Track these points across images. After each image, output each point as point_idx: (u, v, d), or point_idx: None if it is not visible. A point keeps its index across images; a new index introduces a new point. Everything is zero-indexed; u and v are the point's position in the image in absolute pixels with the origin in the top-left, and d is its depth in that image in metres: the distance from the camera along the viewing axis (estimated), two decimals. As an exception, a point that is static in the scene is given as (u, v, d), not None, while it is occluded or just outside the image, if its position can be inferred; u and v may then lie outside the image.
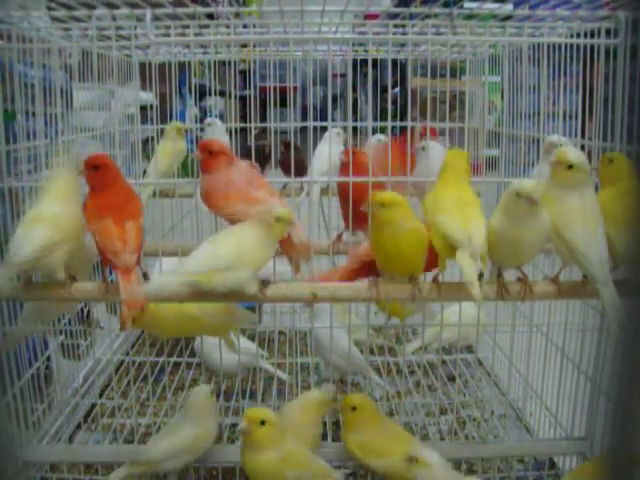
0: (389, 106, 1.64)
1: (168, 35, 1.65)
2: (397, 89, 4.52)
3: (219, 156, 1.39)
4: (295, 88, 2.08)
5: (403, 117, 4.33)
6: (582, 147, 1.69)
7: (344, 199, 1.49)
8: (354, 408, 1.54)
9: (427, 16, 1.55)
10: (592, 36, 1.57)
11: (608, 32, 1.54)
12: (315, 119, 2.00)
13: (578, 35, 1.60)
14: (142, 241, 1.33)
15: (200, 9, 1.51)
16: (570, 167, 1.30)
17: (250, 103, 1.82)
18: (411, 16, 1.60)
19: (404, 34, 1.68)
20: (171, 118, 2.44)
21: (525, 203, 1.24)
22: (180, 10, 1.50)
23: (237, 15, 1.62)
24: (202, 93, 3.35)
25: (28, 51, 1.61)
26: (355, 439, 1.54)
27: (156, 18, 1.51)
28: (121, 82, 2.10)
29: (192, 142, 2.27)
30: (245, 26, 1.75)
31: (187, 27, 1.64)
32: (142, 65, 2.08)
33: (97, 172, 1.33)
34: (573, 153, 1.32)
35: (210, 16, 1.63)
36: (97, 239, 1.30)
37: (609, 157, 1.37)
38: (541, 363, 1.76)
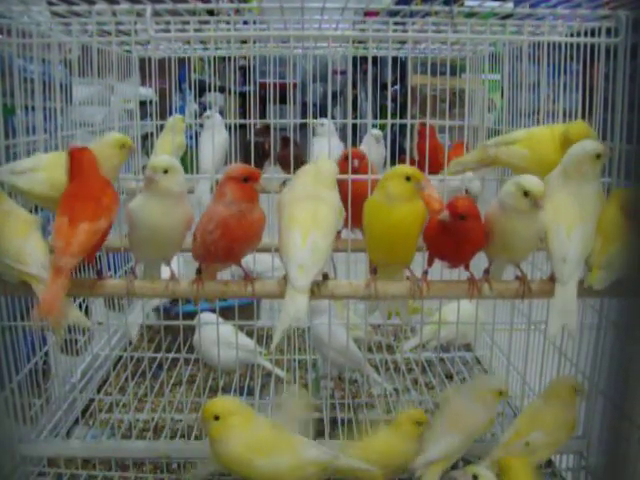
0: (389, 103, 1.64)
1: (168, 31, 1.65)
2: (397, 86, 4.52)
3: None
4: (295, 85, 2.07)
5: (403, 114, 4.33)
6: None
7: (343, 197, 1.49)
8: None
9: (427, 14, 1.55)
10: (592, 35, 1.57)
11: (608, 31, 1.54)
12: (315, 116, 2.00)
13: (578, 34, 1.60)
14: (94, 243, 1.29)
15: (200, 5, 1.51)
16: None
17: (250, 99, 1.81)
18: (411, 14, 1.60)
19: (404, 32, 1.68)
20: (171, 114, 2.44)
21: (531, 203, 1.25)
22: (180, 6, 1.50)
23: (237, 11, 1.62)
24: (202, 89, 3.34)
25: (28, 46, 1.61)
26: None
27: (156, 14, 1.51)
28: (121, 77, 2.09)
29: (191, 138, 2.26)
30: (245, 22, 1.74)
31: (187, 23, 1.64)
32: (142, 60, 2.07)
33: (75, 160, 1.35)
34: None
35: (210, 12, 1.63)
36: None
37: None
38: (539, 361, 1.76)
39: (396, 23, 1.67)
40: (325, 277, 1.38)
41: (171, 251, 1.39)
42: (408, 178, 1.28)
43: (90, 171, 1.35)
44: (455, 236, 1.28)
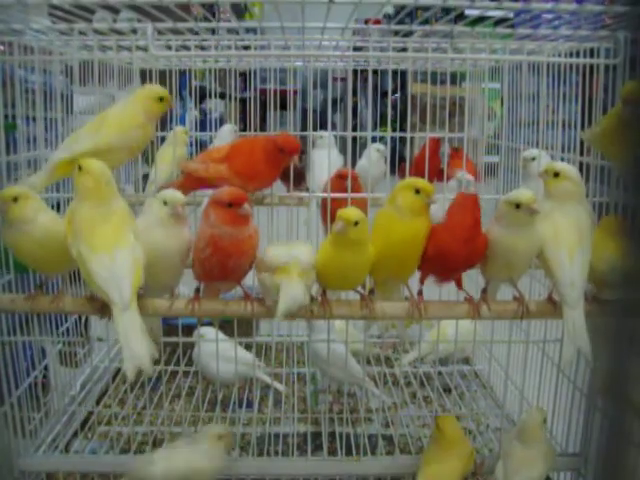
0: (389, 112, 1.64)
1: (169, 47, 1.66)
2: (397, 94, 4.53)
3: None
4: (295, 91, 2.08)
5: (403, 122, 4.33)
6: (580, 164, 1.69)
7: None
8: None
9: (428, 34, 1.55)
10: (592, 55, 1.57)
11: (607, 51, 1.55)
12: (315, 123, 1.99)
13: (578, 54, 1.60)
14: None
15: (201, 24, 1.51)
16: (556, 175, 1.33)
17: (250, 106, 1.82)
18: (411, 32, 1.60)
19: (404, 50, 1.68)
20: (171, 121, 2.44)
21: (525, 213, 1.26)
22: (181, 25, 1.51)
23: (237, 33, 1.62)
24: (202, 95, 3.34)
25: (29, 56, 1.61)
26: None
27: (158, 32, 1.51)
28: (121, 86, 2.09)
29: (192, 145, 2.27)
30: (247, 30, 1.74)
31: (188, 40, 1.65)
32: (143, 70, 2.08)
33: None
34: (560, 163, 1.35)
35: (211, 29, 1.64)
36: None
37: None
38: (537, 376, 1.77)
39: (396, 39, 1.68)
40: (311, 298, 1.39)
41: (172, 279, 1.40)
42: (418, 191, 1.29)
43: None
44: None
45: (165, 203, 1.31)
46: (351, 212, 1.26)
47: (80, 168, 1.27)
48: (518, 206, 1.26)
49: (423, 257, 1.35)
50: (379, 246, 1.33)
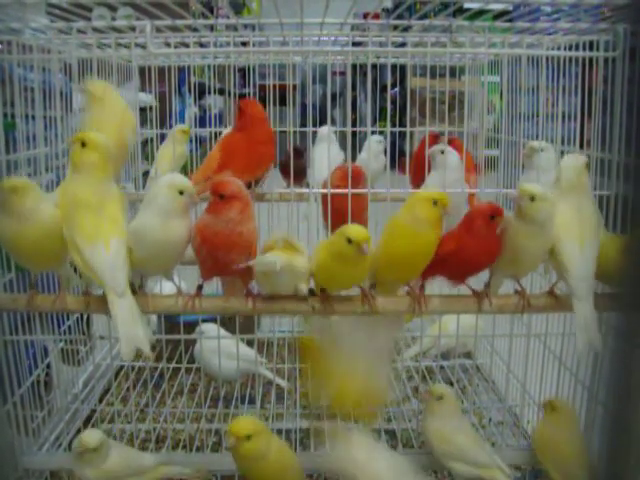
0: (388, 105, 1.64)
1: (168, 44, 1.66)
2: (396, 88, 4.52)
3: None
4: (295, 86, 2.07)
5: (403, 117, 4.33)
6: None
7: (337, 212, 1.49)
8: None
9: (427, 28, 1.55)
10: (591, 48, 1.57)
11: (607, 44, 1.54)
12: (314, 118, 1.99)
13: (577, 47, 1.60)
14: None
15: (200, 21, 1.51)
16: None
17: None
18: (410, 26, 1.60)
19: (403, 44, 1.68)
20: (170, 118, 2.43)
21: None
22: (179, 22, 1.51)
23: (236, 29, 1.62)
24: (201, 91, 3.34)
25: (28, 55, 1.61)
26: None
27: (157, 30, 1.51)
28: (120, 83, 2.09)
29: (192, 141, 2.27)
30: (246, 26, 1.74)
31: (187, 37, 1.65)
32: (142, 67, 2.08)
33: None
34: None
35: (209, 26, 1.64)
36: None
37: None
38: (539, 370, 1.77)
39: (395, 36, 1.68)
40: (312, 292, 1.39)
41: (172, 266, 1.40)
42: (435, 202, 1.29)
43: None
44: None
45: (181, 193, 1.28)
46: None
47: (84, 144, 1.27)
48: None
49: (439, 262, 1.34)
50: (391, 254, 1.33)
